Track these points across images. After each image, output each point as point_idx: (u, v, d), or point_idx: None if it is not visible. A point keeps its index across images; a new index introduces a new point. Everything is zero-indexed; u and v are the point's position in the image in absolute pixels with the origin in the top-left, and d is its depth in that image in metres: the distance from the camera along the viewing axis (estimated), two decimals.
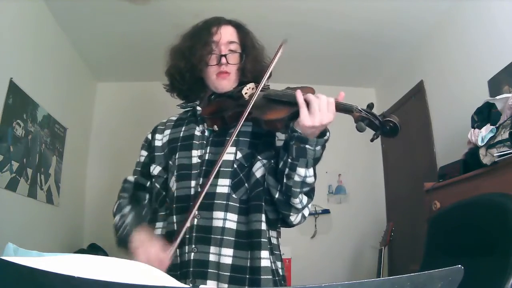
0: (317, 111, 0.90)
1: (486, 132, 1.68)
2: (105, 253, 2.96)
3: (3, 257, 0.41)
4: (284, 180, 0.97)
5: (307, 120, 0.90)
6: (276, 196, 1.01)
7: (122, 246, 1.04)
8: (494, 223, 1.04)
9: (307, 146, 0.93)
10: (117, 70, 3.57)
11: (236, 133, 0.98)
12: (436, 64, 2.86)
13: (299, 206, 1.00)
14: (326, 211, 3.54)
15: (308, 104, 0.92)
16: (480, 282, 0.95)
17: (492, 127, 1.68)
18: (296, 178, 0.95)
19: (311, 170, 0.97)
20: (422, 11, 2.67)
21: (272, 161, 1.04)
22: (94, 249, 3.03)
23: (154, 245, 0.95)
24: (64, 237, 2.96)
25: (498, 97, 1.80)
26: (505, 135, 1.57)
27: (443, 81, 2.76)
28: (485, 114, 1.83)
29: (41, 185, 2.59)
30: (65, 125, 2.98)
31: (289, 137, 0.95)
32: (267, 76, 1.06)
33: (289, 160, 0.94)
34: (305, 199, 1.00)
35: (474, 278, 0.83)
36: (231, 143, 0.98)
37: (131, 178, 1.20)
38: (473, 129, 1.80)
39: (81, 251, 3.00)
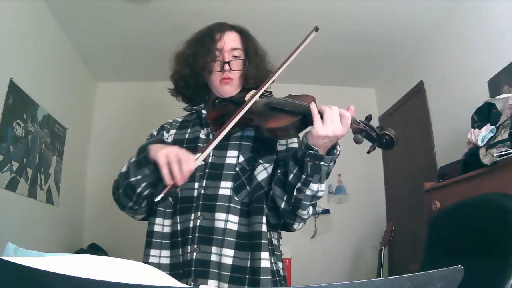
0: (330, 122, 0.91)
1: (486, 132, 1.68)
2: (105, 253, 2.96)
3: (3, 257, 0.41)
4: (295, 193, 0.98)
5: (321, 129, 0.91)
6: (282, 206, 1.02)
7: (136, 167, 1.01)
8: (494, 223, 1.04)
9: (322, 163, 0.94)
10: (117, 70, 3.56)
11: (225, 134, 0.99)
12: (436, 64, 2.85)
13: (306, 217, 1.02)
14: (326, 211, 3.54)
15: (321, 114, 0.93)
16: (480, 282, 0.95)
17: (492, 127, 1.68)
18: (308, 193, 0.97)
19: (323, 185, 0.98)
20: (422, 11, 2.67)
21: (279, 171, 1.05)
22: (94, 249, 3.03)
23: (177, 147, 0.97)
24: (64, 237, 2.96)
25: (498, 97, 1.80)
26: (505, 135, 1.57)
27: (443, 81, 2.76)
28: (485, 114, 1.84)
29: (41, 185, 2.59)
30: (65, 125, 2.98)
31: (303, 153, 0.95)
32: (271, 81, 1.09)
33: (303, 176, 0.95)
34: (311, 209, 1.03)
35: (474, 278, 0.83)
36: (215, 144, 0.98)
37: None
38: (473, 129, 1.80)
39: (81, 251, 3.00)
